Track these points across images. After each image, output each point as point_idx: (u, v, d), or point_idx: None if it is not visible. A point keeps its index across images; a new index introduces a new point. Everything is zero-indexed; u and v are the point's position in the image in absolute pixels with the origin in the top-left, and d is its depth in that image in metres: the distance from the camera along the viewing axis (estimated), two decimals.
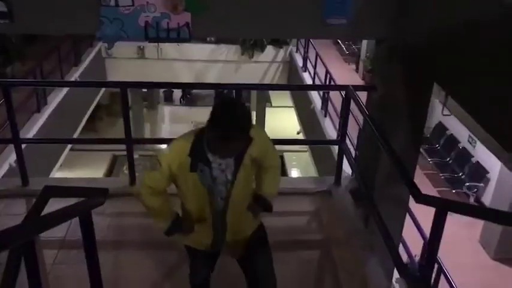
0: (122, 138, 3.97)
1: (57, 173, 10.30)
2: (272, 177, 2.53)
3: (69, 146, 10.98)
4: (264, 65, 14.64)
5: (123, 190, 3.81)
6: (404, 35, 3.21)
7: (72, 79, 10.99)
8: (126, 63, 13.96)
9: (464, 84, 2.58)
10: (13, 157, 7.59)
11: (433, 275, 4.97)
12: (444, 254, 5.79)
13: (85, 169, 13.90)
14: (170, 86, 16.40)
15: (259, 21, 3.39)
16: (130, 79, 14.41)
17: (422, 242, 4.52)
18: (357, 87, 3.75)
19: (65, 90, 10.30)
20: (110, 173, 14.89)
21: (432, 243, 2.26)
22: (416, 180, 2.65)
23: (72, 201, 2.23)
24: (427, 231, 2.50)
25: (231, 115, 2.08)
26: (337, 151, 4.17)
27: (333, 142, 4.40)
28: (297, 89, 12.50)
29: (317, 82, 11.31)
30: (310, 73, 12.07)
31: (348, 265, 3.27)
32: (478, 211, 2.08)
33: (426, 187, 8.27)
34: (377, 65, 3.66)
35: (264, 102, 17.38)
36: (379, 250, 3.26)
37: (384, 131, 3.26)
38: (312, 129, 10.89)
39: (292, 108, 14.40)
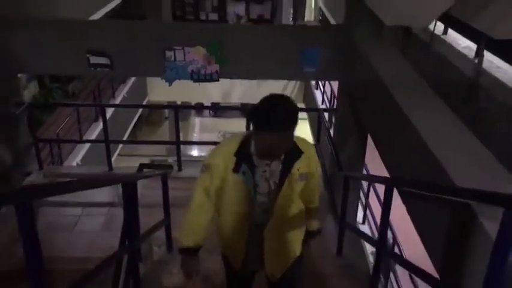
0: (172, 141, 6.03)
1: None
2: (316, 209, 2.52)
3: (118, 150, 13.14)
4: (283, 82, 16.64)
5: (174, 174, 5.87)
6: (349, 82, 5.17)
7: (121, 95, 13.26)
8: (163, 81, 16.27)
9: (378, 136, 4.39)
10: (79, 158, 9.81)
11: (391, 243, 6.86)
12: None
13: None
14: (205, 107, 19.18)
15: (261, 69, 5.43)
16: (166, 94, 16.83)
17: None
18: (325, 110, 5.73)
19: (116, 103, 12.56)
20: None
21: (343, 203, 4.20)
22: None
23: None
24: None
25: (275, 108, 1.91)
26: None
27: None
28: None
29: (325, 98, 13.32)
30: (320, 90, 14.07)
31: None
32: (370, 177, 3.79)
33: None
34: (339, 95, 5.63)
35: None
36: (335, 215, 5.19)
37: (338, 141, 5.23)
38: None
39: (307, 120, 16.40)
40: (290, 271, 2.45)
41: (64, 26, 5.31)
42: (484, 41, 4.16)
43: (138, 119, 16.86)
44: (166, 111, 18.41)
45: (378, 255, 3.07)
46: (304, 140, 2.29)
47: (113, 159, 12.65)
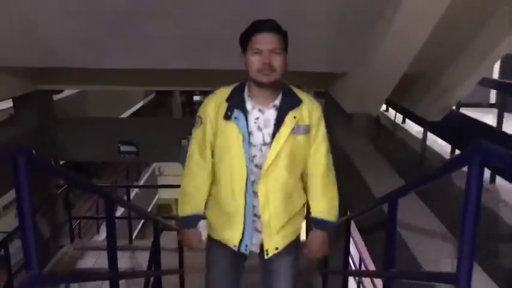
0: None
1: None
2: (324, 187, 2.13)
3: (136, 232, 14.04)
4: None
5: None
6: None
7: (134, 191, 14.48)
8: (172, 179, 17.62)
9: None
10: (103, 236, 10.73)
11: None
12: None
13: None
14: None
15: None
16: (174, 193, 17.99)
17: None
18: None
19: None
20: None
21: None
22: None
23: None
24: None
25: (263, 19, 1.97)
26: None
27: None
28: None
29: None
30: None
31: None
32: None
33: None
34: None
35: None
36: None
37: None
38: None
39: None
40: (286, 254, 2.18)
41: (99, 122, 6.69)
42: (427, 125, 5.43)
43: (145, 222, 17.85)
44: (174, 212, 19.49)
45: (343, 280, 4.03)
46: (307, 94, 2.12)
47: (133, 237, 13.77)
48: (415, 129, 6.08)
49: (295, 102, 2.05)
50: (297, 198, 2.17)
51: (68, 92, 7.44)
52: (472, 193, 1.54)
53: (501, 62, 7.14)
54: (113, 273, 2.76)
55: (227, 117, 2.02)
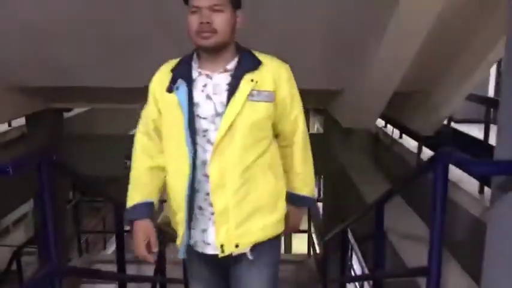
0: None
1: None
2: (301, 159, 1.82)
3: None
4: None
5: None
6: (328, 175, 6.57)
7: None
8: None
9: None
10: (111, 250, 10.96)
11: None
12: None
13: None
14: None
15: None
16: None
17: None
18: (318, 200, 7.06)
19: None
20: None
21: None
22: None
23: None
24: None
25: None
26: None
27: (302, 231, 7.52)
28: None
29: None
30: None
31: None
32: None
33: None
34: (325, 187, 6.99)
35: None
36: None
37: (325, 227, 6.48)
38: None
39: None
40: (257, 255, 1.74)
41: (107, 139, 6.96)
42: (422, 140, 5.63)
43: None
44: None
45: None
46: (269, 56, 1.77)
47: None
48: (411, 144, 6.28)
49: (253, 64, 1.70)
50: (265, 182, 1.74)
51: (77, 110, 7.73)
52: (438, 188, 1.79)
53: (496, 80, 7.39)
54: (121, 275, 2.99)
55: (170, 89, 1.71)
